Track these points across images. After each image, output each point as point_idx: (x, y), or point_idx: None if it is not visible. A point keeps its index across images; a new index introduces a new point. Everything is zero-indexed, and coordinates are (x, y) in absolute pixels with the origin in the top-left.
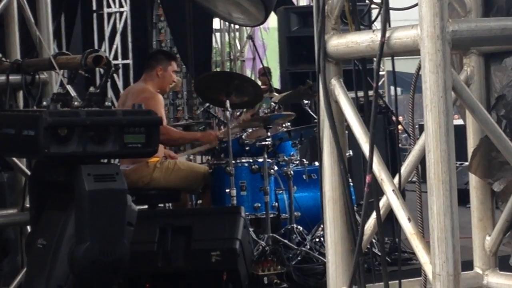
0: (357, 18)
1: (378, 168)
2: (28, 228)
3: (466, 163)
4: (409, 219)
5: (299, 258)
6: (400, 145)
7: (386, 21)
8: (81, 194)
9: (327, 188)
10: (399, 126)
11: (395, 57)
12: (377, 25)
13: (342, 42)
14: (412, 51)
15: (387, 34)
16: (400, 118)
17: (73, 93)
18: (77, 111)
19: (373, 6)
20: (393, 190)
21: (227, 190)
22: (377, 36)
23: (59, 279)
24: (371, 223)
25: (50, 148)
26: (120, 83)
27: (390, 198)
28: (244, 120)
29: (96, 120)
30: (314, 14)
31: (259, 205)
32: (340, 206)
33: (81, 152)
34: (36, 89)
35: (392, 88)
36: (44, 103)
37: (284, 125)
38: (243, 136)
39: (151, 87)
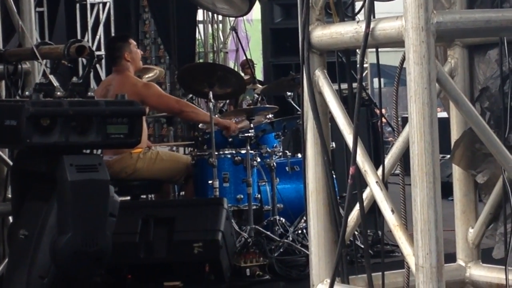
0: (342, 9)
1: (362, 160)
2: (10, 218)
3: (449, 156)
4: (392, 210)
5: (281, 250)
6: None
7: (370, 12)
8: (63, 185)
9: (310, 180)
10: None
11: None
12: (360, 17)
13: (326, 33)
14: (397, 42)
15: (372, 25)
16: (383, 111)
17: (55, 83)
18: (60, 101)
19: None
20: (376, 182)
21: (210, 182)
22: (362, 27)
23: (41, 270)
24: (354, 215)
25: (32, 138)
26: (103, 74)
27: (374, 190)
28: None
29: (79, 110)
30: (299, 4)
31: (242, 196)
32: (323, 197)
33: (63, 142)
34: (19, 79)
35: (375, 80)
36: (27, 93)
37: (267, 117)
38: None
39: (131, 75)
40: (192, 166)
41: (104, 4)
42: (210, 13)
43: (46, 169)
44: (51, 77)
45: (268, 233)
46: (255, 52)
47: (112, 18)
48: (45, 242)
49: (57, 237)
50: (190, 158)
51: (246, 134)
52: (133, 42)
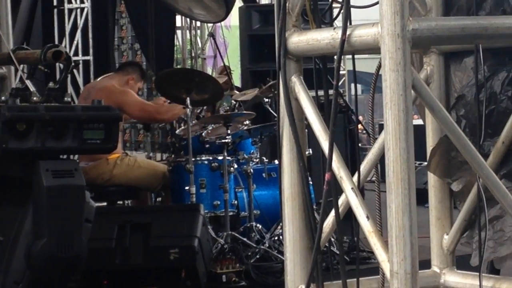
0: (318, 16)
1: (338, 166)
2: None
3: (425, 163)
4: (367, 217)
5: (257, 256)
6: (360, 144)
7: (347, 18)
8: (39, 190)
9: (286, 186)
10: (360, 126)
11: (355, 57)
12: (337, 23)
13: (302, 39)
14: (373, 49)
15: (348, 32)
16: (360, 118)
17: (32, 88)
18: (36, 106)
19: (334, 4)
20: (352, 188)
21: (187, 188)
22: (338, 34)
23: (16, 275)
24: (329, 221)
25: (8, 143)
26: (80, 79)
27: (349, 196)
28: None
29: (55, 115)
30: (276, 11)
31: (219, 203)
32: (299, 203)
33: (39, 148)
34: None
35: (352, 87)
36: (3, 98)
37: (244, 123)
38: (203, 134)
39: (114, 84)
40: (169, 173)
41: (82, 9)
42: (188, 19)
43: (22, 174)
44: (28, 82)
45: (245, 239)
46: (233, 58)
47: (90, 23)
48: (20, 247)
49: (32, 242)
50: (167, 167)
51: (223, 140)
52: (141, 85)
